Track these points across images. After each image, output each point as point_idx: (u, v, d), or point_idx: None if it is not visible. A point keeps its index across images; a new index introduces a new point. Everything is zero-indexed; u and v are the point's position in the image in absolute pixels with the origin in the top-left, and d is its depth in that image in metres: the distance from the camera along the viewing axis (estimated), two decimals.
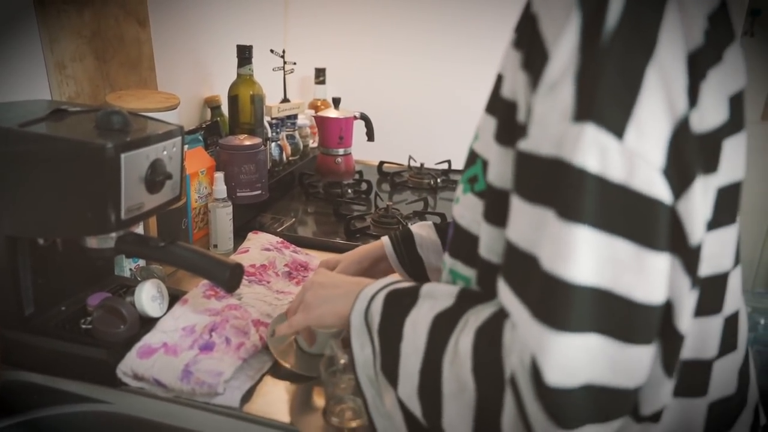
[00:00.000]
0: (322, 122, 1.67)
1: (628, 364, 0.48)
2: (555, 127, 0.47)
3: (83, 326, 0.88)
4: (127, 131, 0.82)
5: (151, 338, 0.87)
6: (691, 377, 0.57)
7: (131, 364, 0.82)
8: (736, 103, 0.55)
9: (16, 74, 1.04)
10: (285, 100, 1.73)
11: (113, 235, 0.86)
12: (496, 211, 0.57)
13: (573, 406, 0.47)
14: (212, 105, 1.60)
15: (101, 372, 0.83)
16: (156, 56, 1.37)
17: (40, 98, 1.10)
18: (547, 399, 0.47)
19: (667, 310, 0.50)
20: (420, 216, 1.44)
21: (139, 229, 1.10)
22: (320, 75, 1.90)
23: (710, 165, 0.51)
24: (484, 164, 0.61)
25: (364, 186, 1.66)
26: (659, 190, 0.46)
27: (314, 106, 1.91)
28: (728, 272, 0.58)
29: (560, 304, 0.46)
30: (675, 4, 0.47)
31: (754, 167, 3.16)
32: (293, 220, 1.46)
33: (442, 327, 0.58)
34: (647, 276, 0.47)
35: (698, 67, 0.48)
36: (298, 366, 0.88)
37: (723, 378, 0.60)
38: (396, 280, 0.71)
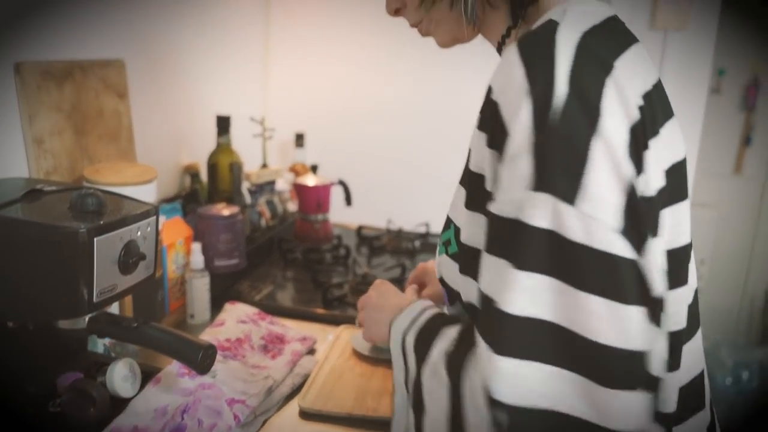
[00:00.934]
0: (300, 189, 1.73)
1: (610, 406, 0.52)
2: (516, 194, 0.55)
3: (51, 409, 0.86)
4: (101, 213, 0.83)
5: (121, 421, 0.86)
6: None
7: None
8: (674, 173, 0.62)
9: None
10: (264, 165, 1.75)
11: (86, 316, 0.85)
12: (471, 266, 0.65)
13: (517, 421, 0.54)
14: (191, 172, 1.62)
15: None
16: (135, 127, 1.39)
17: (17, 173, 1.10)
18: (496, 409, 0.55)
19: (641, 359, 0.53)
20: (398, 282, 1.45)
21: (114, 305, 1.09)
22: (300, 139, 1.93)
23: (654, 229, 0.57)
24: (457, 230, 0.69)
25: (342, 251, 1.67)
26: (619, 248, 0.52)
27: (294, 170, 1.93)
28: (681, 330, 0.64)
29: (499, 329, 0.55)
30: (612, 85, 0.55)
31: (728, 219, 3.23)
32: (271, 287, 1.46)
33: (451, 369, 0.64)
34: (620, 325, 0.52)
35: (640, 138, 0.55)
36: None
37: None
38: (424, 307, 0.78)
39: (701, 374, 0.68)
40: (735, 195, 3.27)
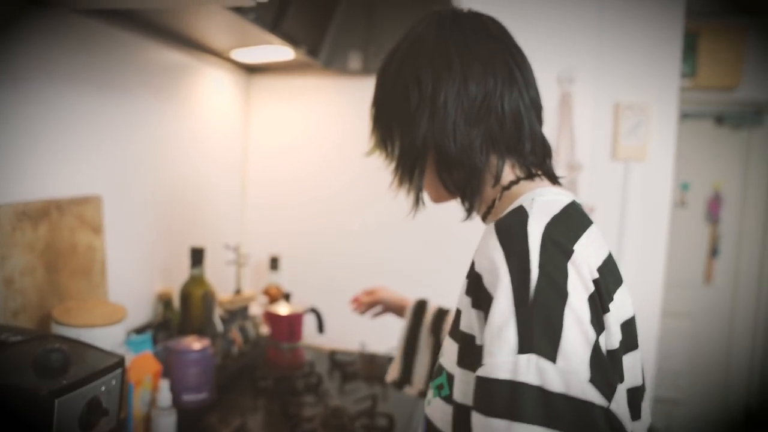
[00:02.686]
0: (272, 318, 1.74)
1: None
2: (505, 358, 0.64)
3: None
4: (65, 369, 0.82)
5: None
6: None
7: None
8: (627, 327, 0.75)
9: None
10: (238, 291, 1.76)
11: None
12: (463, 420, 0.71)
13: None
14: (164, 300, 1.62)
15: None
16: (109, 259, 1.40)
17: None
18: None
19: None
20: (368, 415, 1.43)
21: None
22: (274, 263, 1.96)
23: (621, 377, 0.69)
24: (450, 377, 0.76)
25: (314, 379, 1.65)
26: (592, 395, 0.63)
27: (268, 293, 1.94)
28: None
29: None
30: (572, 267, 0.68)
31: (701, 328, 3.25)
32: (240, 420, 1.43)
33: None
34: None
35: (598, 304, 0.68)
36: None
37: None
38: None
39: None
40: (707, 304, 3.33)
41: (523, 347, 0.63)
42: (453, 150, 0.79)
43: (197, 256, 1.51)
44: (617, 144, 1.92)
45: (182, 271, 1.60)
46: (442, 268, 2.03)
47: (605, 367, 0.65)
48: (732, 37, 2.98)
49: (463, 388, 0.71)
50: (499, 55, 0.80)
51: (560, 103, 1.93)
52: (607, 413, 0.63)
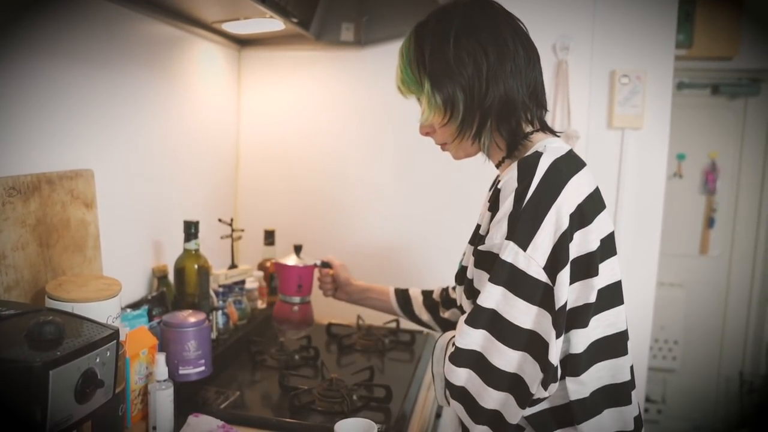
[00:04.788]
0: (281, 270, 1.64)
1: (502, 354, 0.92)
2: (497, 240, 0.94)
3: None
4: (59, 341, 0.82)
5: None
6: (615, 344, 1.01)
7: None
8: (606, 241, 0.98)
9: None
10: (233, 266, 1.75)
11: None
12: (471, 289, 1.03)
13: (463, 358, 0.95)
14: (159, 275, 1.61)
15: None
16: (103, 234, 1.39)
17: None
18: (453, 355, 0.97)
19: (544, 347, 0.90)
20: (366, 387, 1.44)
21: None
22: (269, 237, 1.95)
23: (592, 272, 0.94)
24: (464, 268, 1.09)
25: (312, 352, 1.65)
26: (542, 276, 0.91)
27: (263, 267, 1.94)
28: (624, 331, 1.03)
29: (474, 313, 0.95)
30: (565, 190, 0.92)
31: (697, 299, 3.27)
32: (237, 393, 1.43)
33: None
34: (528, 316, 0.91)
35: (576, 219, 0.92)
36: None
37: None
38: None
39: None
40: (702, 275, 3.34)
41: (509, 235, 0.92)
42: (517, 106, 1.01)
43: (191, 229, 1.50)
44: (613, 112, 1.90)
45: (176, 247, 1.59)
46: (437, 240, 2.03)
47: (559, 252, 0.90)
48: (729, 7, 2.95)
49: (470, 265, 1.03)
50: (522, 29, 1.05)
51: (556, 71, 1.91)
52: (548, 288, 0.90)
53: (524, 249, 0.90)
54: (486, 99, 1.00)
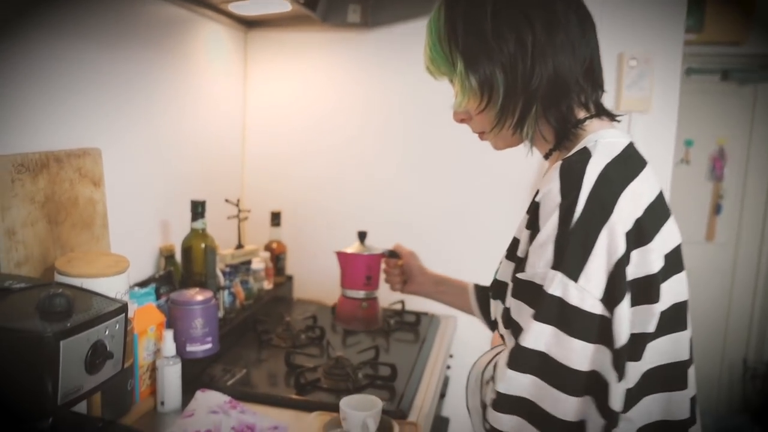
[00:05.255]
0: (346, 260, 1.46)
1: (558, 402, 0.78)
2: (541, 269, 0.79)
3: None
4: (69, 314, 0.83)
5: None
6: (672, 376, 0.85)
7: None
8: (672, 255, 0.84)
9: None
10: (239, 246, 1.76)
11: None
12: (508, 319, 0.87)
13: (509, 405, 0.81)
14: (167, 254, 1.63)
15: None
16: (110, 213, 1.40)
17: None
18: (496, 400, 0.82)
19: (605, 389, 0.77)
20: (371, 365, 1.45)
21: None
22: (276, 218, 1.96)
23: (652, 298, 0.79)
24: (498, 283, 0.95)
25: (317, 332, 1.67)
26: (599, 309, 0.76)
27: (270, 248, 1.95)
28: (686, 361, 0.86)
29: (516, 353, 0.80)
30: (618, 206, 0.77)
31: (702, 286, 3.26)
32: (244, 371, 1.45)
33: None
34: (574, 353, 0.77)
35: (632, 241, 0.77)
36: None
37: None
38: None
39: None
40: (708, 262, 3.34)
41: (556, 264, 0.77)
42: (569, 87, 0.87)
43: (198, 208, 1.51)
44: (620, 96, 1.89)
45: (184, 227, 1.60)
46: (444, 222, 2.03)
47: (616, 283, 0.76)
48: None
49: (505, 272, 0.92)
50: None
51: None
52: (605, 322, 0.76)
53: (575, 280, 0.76)
54: (531, 80, 0.85)
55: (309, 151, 2.12)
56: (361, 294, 1.46)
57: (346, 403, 1.15)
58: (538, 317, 0.78)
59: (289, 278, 2.04)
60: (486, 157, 1.95)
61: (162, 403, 1.28)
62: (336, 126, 2.09)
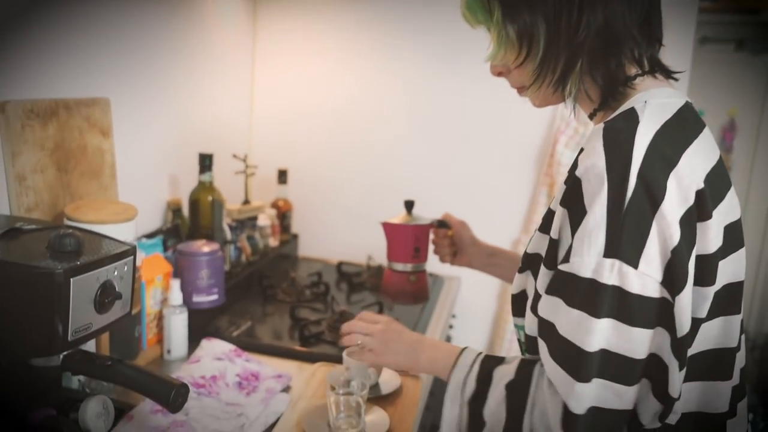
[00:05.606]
0: (392, 231, 1.35)
1: (621, 395, 0.73)
2: (592, 258, 0.71)
3: None
4: (79, 253, 0.84)
5: None
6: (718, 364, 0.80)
7: None
8: (732, 229, 0.77)
9: None
10: (246, 201, 1.77)
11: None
12: (544, 334, 0.79)
13: (581, 424, 0.73)
14: (174, 208, 1.64)
15: None
16: (118, 163, 1.41)
17: None
18: (569, 420, 0.74)
19: (664, 372, 0.72)
20: None
21: (91, 341, 1.10)
22: (282, 176, 1.96)
23: (707, 280, 0.74)
24: (530, 257, 0.87)
25: (322, 288, 1.69)
26: (660, 292, 0.71)
27: (276, 206, 1.96)
28: (734, 348, 0.80)
29: (579, 364, 0.73)
30: (674, 178, 0.70)
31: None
32: (249, 323, 1.47)
33: (512, 396, 0.82)
34: (636, 343, 0.72)
35: (694, 216, 0.71)
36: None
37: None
38: (476, 354, 0.91)
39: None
40: None
41: (609, 251, 0.70)
42: (621, 41, 0.77)
43: (206, 161, 1.52)
44: None
45: (191, 181, 1.61)
46: (451, 185, 2.03)
47: (675, 270, 0.70)
48: None
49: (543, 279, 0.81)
50: None
51: None
52: (667, 304, 0.71)
53: (635, 266, 0.69)
54: (577, 32, 0.76)
55: (318, 109, 2.11)
56: (408, 267, 1.36)
57: (351, 351, 1.17)
58: (594, 313, 0.71)
59: (295, 237, 2.06)
60: (496, 119, 1.94)
61: (168, 351, 1.31)
62: (345, 85, 2.08)
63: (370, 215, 2.05)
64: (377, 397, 1.16)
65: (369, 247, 1.93)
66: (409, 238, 1.33)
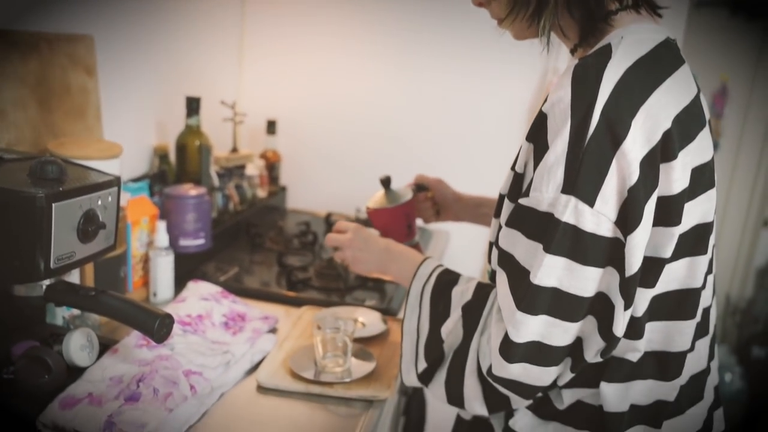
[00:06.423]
0: (382, 216, 1.24)
1: (564, 332, 0.75)
2: (550, 194, 0.71)
3: (5, 376, 0.86)
4: (61, 180, 0.83)
5: (75, 388, 0.86)
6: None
7: (52, 415, 0.81)
8: (700, 171, 0.75)
9: None
10: (234, 150, 1.75)
11: (43, 283, 0.86)
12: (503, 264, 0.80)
13: (520, 353, 0.76)
14: (160, 153, 1.61)
15: (22, 425, 0.82)
16: (103, 105, 1.38)
17: None
18: (507, 347, 0.76)
19: (610, 310, 0.73)
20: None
21: (75, 278, 1.09)
22: (271, 126, 1.94)
23: (672, 221, 0.73)
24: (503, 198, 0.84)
25: (310, 237, 1.68)
26: (613, 232, 0.70)
27: (265, 157, 1.94)
28: (698, 288, 0.79)
29: (525, 295, 0.74)
30: (640, 117, 0.69)
31: None
32: (237, 269, 1.46)
33: (467, 317, 0.87)
34: (587, 281, 0.73)
35: (657, 156, 0.69)
36: None
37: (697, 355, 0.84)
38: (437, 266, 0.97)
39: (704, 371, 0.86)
40: None
41: (567, 188, 0.69)
42: None
43: (193, 104, 1.49)
44: None
45: (178, 127, 1.59)
46: (442, 138, 2.02)
47: (630, 210, 0.69)
48: None
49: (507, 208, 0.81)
50: None
51: None
52: (619, 244, 0.71)
53: (591, 204, 0.69)
54: None
55: (309, 59, 2.07)
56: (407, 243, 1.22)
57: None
58: (550, 249, 0.71)
59: (283, 189, 2.04)
60: (488, 70, 1.92)
61: (154, 294, 1.30)
62: (338, 35, 2.04)
63: (358, 168, 2.04)
64: (363, 338, 1.17)
65: (357, 200, 1.91)
66: (401, 220, 1.24)
